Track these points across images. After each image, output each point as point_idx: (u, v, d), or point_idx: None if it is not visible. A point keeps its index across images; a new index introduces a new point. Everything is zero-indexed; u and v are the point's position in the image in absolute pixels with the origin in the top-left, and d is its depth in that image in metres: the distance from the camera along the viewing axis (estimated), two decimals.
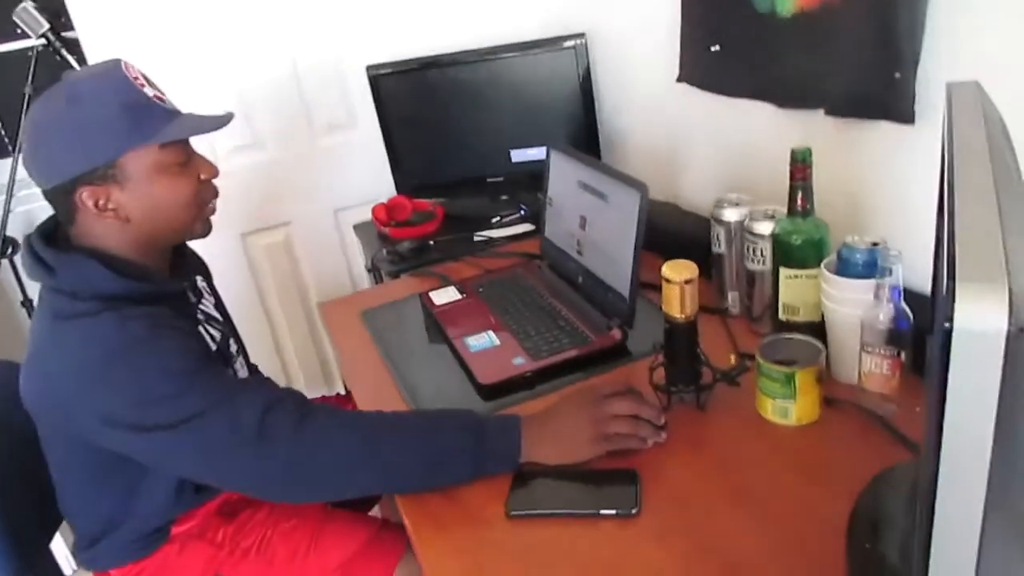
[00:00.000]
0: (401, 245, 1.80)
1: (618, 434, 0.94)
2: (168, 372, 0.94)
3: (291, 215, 2.10)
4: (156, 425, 0.92)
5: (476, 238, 1.80)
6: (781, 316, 1.07)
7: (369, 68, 1.87)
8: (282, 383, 1.12)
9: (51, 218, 1.06)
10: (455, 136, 1.92)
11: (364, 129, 2.05)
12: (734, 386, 1.01)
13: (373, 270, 1.88)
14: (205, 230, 1.12)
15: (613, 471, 0.91)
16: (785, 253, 1.04)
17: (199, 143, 1.09)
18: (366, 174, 2.08)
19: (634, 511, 0.85)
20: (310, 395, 1.10)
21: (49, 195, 1.01)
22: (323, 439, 0.94)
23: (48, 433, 1.05)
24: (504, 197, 1.94)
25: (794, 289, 1.04)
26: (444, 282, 1.53)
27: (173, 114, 1.05)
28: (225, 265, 1.97)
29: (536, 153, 1.86)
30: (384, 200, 1.98)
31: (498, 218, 1.86)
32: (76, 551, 1.16)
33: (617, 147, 1.85)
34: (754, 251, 1.11)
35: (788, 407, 0.94)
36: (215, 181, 1.11)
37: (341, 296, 1.65)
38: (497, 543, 0.85)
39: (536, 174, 1.60)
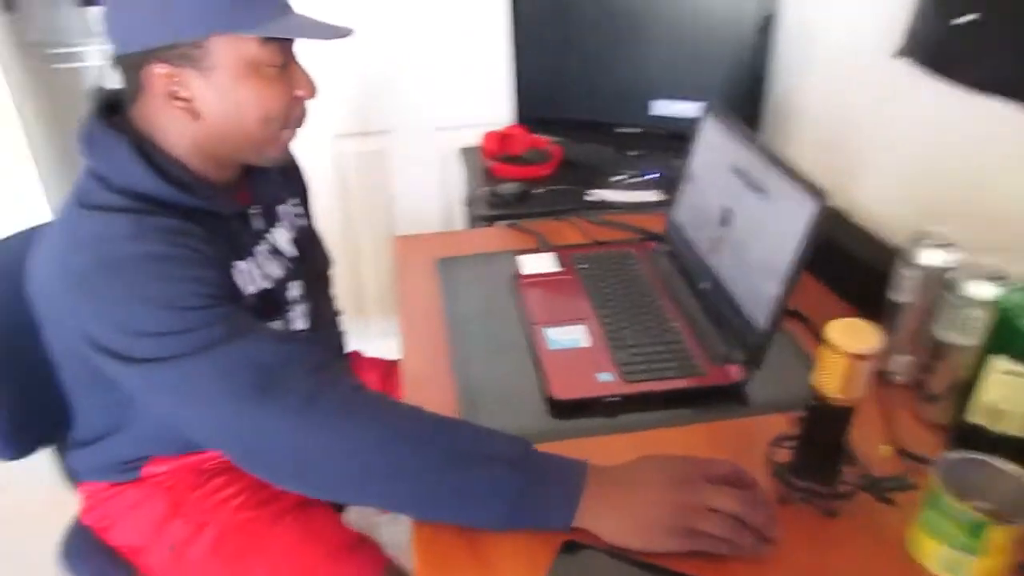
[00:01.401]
0: (503, 186, 1.56)
1: (710, 535, 0.69)
2: (164, 304, 0.77)
3: (392, 124, 1.88)
4: (142, 358, 0.76)
5: (588, 196, 1.53)
6: (974, 418, 0.77)
7: None
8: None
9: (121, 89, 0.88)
10: (592, 70, 1.62)
11: (491, 41, 1.79)
12: (884, 503, 0.74)
13: (470, 205, 1.65)
14: (278, 155, 0.92)
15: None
16: (1007, 337, 0.73)
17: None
18: (484, 94, 1.83)
19: None
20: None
21: (119, 63, 0.84)
22: (334, 423, 0.74)
23: (45, 322, 0.91)
24: (633, 153, 1.65)
25: (1007, 389, 0.74)
26: (542, 245, 1.29)
27: (284, 7, 0.85)
28: (308, 168, 1.80)
29: (682, 109, 1.54)
30: (499, 128, 1.73)
31: (621, 177, 1.58)
32: (63, 454, 1.07)
33: (783, 121, 1.50)
34: (957, 317, 0.81)
35: (963, 564, 0.66)
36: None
37: (423, 233, 1.43)
38: None
39: (677, 134, 1.31)
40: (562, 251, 1.25)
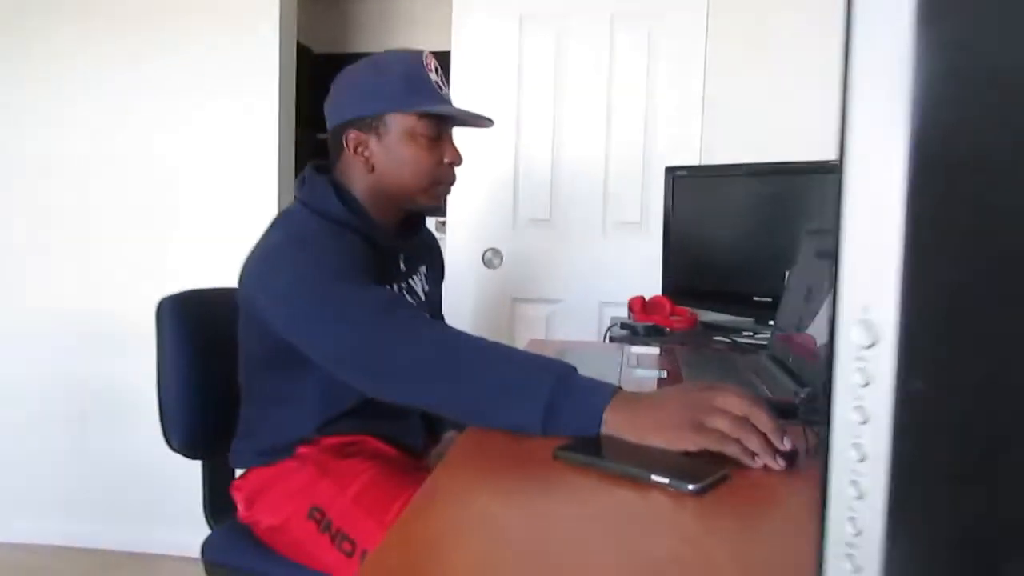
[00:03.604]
0: (639, 324, 1.74)
1: (720, 433, 0.75)
2: (331, 265, 1.04)
3: (560, 294, 2.19)
4: (300, 304, 1.03)
5: (716, 337, 1.66)
6: None
7: (667, 169, 1.94)
8: None
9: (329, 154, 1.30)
10: (733, 245, 1.84)
11: (652, 234, 2.09)
12: None
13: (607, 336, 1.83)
14: (433, 204, 1.25)
15: (700, 457, 0.74)
16: None
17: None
18: (638, 272, 2.09)
19: (690, 487, 0.66)
20: None
21: (329, 135, 1.24)
22: (423, 333, 0.95)
23: (241, 312, 1.22)
24: (772, 322, 1.77)
25: None
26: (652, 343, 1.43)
27: (442, 99, 1.22)
28: (493, 326, 2.13)
29: None
30: (644, 296, 1.96)
31: (750, 334, 1.70)
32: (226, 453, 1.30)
33: None
34: None
35: None
36: (457, 169, 1.24)
37: None
38: (524, 474, 0.73)
39: None
40: (669, 346, 1.38)
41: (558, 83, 2.15)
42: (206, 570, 1.27)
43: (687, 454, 0.75)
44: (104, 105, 2.40)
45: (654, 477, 0.69)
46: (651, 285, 2.02)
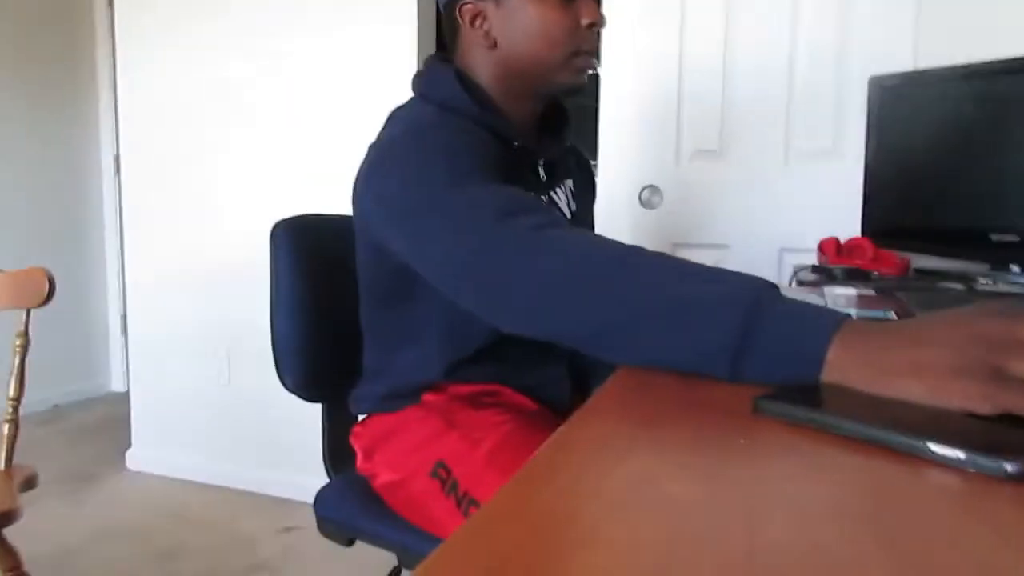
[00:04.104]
0: (837, 267, 1.40)
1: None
2: (447, 163, 0.84)
3: (730, 239, 1.87)
4: (406, 206, 0.83)
5: (941, 284, 1.29)
6: None
7: (873, 79, 1.55)
8: None
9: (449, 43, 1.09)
10: (962, 172, 1.44)
11: (848, 162, 1.72)
12: None
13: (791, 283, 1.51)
14: (573, 81, 1.01)
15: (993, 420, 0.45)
16: None
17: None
18: (829, 210, 1.73)
19: (1008, 467, 0.38)
20: None
21: (443, 13, 1.04)
22: (556, 246, 0.70)
23: (357, 243, 1.04)
24: (1017, 268, 1.37)
25: None
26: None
27: None
28: None
29: None
30: (839, 238, 1.60)
31: (988, 282, 1.31)
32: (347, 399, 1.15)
33: None
34: None
35: None
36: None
37: None
38: (706, 434, 0.47)
39: None
40: (884, 291, 1.06)
41: None
42: (317, 524, 1.13)
43: (972, 415, 0.46)
44: (233, 28, 2.36)
45: (936, 448, 0.41)
46: (846, 226, 1.66)
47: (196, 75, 2.45)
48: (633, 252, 0.68)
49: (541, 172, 1.06)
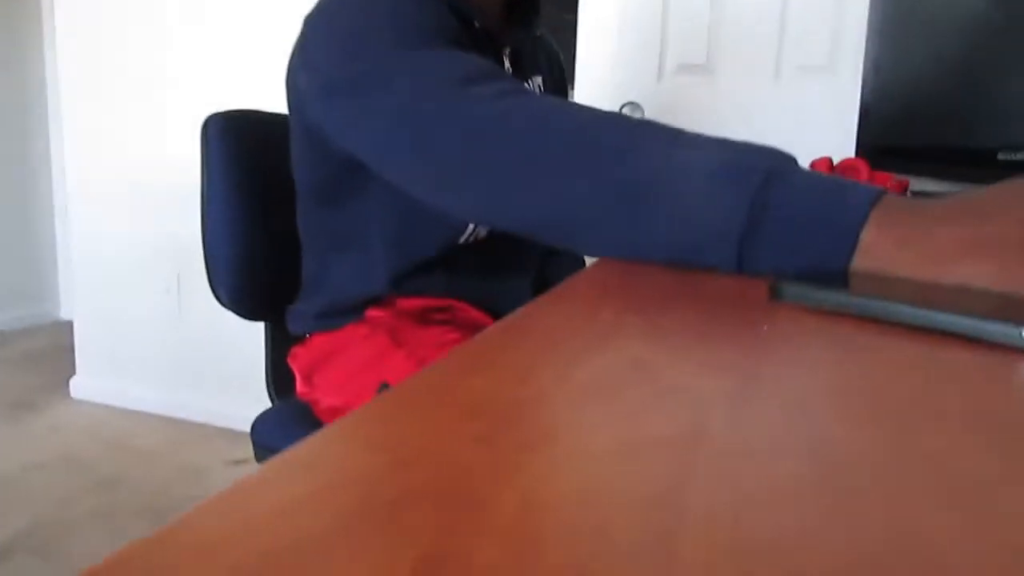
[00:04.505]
0: None
1: None
2: (394, 25, 0.69)
3: None
4: (345, 72, 0.69)
5: None
6: None
7: None
8: None
9: None
10: (968, 86, 1.33)
11: (844, 78, 1.59)
12: None
13: None
14: None
15: None
16: None
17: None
18: (823, 128, 1.61)
19: None
20: None
21: None
22: (523, 113, 0.57)
23: (292, 133, 0.89)
24: None
25: None
26: None
27: None
28: None
29: None
30: (832, 158, 1.49)
31: None
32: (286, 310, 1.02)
33: None
34: None
35: None
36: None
37: None
38: (717, 324, 0.35)
39: None
40: None
41: None
42: (255, 454, 1.02)
43: None
44: None
45: (992, 327, 0.30)
46: (840, 147, 1.54)
47: None
48: (617, 118, 0.55)
49: (506, 62, 0.92)
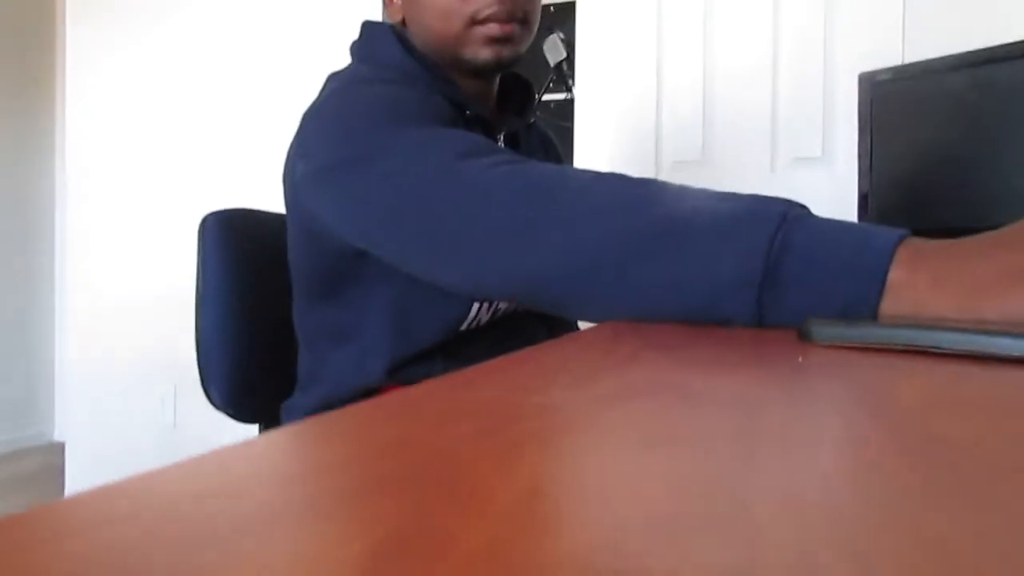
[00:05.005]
0: None
1: None
2: (381, 111, 0.70)
3: None
4: (339, 157, 0.69)
5: None
6: None
7: (863, 76, 1.46)
8: None
9: None
10: (965, 166, 1.33)
11: (839, 168, 1.61)
12: None
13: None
14: (479, 56, 0.82)
15: None
16: None
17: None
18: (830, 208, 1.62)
19: None
20: None
21: None
22: (520, 178, 0.56)
23: (288, 232, 0.89)
24: None
25: None
26: None
27: None
28: None
29: None
30: None
31: None
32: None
33: None
34: None
35: None
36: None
37: None
38: (747, 372, 0.31)
39: None
40: None
41: None
42: None
43: None
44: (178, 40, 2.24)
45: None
46: None
47: (145, 91, 2.32)
48: (622, 177, 0.53)
49: (501, 143, 0.92)
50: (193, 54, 2.26)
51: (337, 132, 0.71)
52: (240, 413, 1.04)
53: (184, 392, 2.27)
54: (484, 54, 0.82)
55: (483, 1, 0.80)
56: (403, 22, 0.86)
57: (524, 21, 0.83)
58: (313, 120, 0.77)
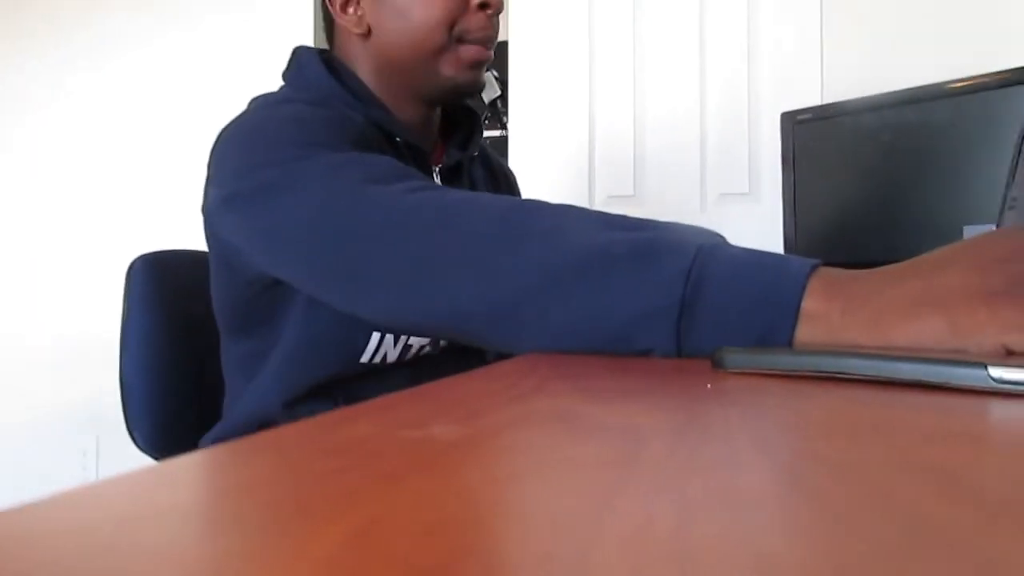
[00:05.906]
0: None
1: None
2: (290, 135, 0.68)
3: None
4: (256, 185, 0.66)
5: None
6: None
7: (785, 115, 1.52)
8: None
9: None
10: (886, 203, 1.39)
11: (765, 203, 1.67)
12: None
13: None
14: (457, 76, 0.82)
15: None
16: None
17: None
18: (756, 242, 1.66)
19: None
20: None
21: (324, 15, 0.89)
22: (437, 204, 0.55)
23: (211, 265, 0.86)
24: None
25: None
26: None
27: None
28: None
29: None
30: None
31: None
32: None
33: None
34: None
35: None
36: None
37: None
38: (659, 386, 0.31)
39: None
40: None
41: (637, 30, 1.78)
42: None
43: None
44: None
45: (996, 372, 0.27)
46: None
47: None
48: (539, 204, 0.54)
49: (436, 180, 0.91)
50: (117, 87, 2.21)
51: (247, 157, 0.70)
52: (165, 456, 0.99)
53: (106, 444, 2.17)
54: (465, 76, 0.81)
55: (477, 22, 0.79)
56: (367, 32, 0.82)
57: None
58: (225, 143, 0.74)
